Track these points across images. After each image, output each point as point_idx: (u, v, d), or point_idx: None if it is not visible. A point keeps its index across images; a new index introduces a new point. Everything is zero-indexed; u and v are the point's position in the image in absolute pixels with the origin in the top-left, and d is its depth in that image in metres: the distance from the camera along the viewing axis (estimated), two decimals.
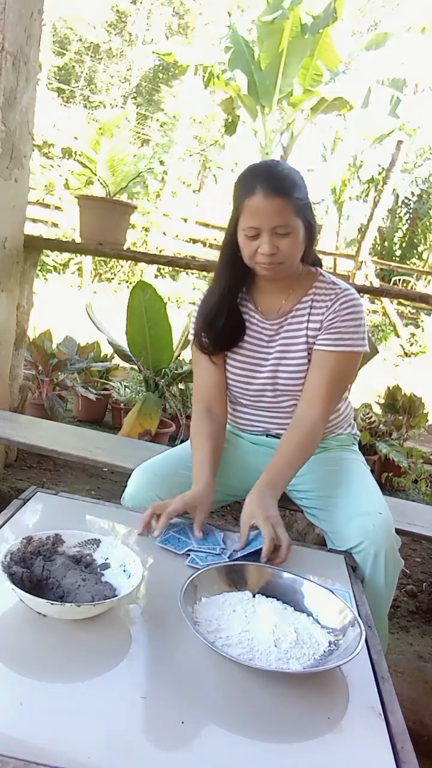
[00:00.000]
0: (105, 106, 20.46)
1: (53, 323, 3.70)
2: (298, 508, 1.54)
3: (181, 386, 3.29)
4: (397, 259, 13.19)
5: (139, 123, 20.66)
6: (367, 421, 3.28)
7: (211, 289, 1.45)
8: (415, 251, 13.53)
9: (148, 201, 11.71)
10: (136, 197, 11.49)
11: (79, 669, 0.79)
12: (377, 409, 3.75)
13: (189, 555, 1.12)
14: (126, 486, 1.42)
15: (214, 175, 15.21)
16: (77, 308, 4.06)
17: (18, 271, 2.45)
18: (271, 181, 1.22)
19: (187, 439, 1.59)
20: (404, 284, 11.02)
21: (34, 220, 9.87)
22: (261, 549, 1.10)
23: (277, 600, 0.98)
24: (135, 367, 3.29)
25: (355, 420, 1.64)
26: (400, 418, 3.43)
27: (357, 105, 9.06)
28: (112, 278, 10.73)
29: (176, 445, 1.61)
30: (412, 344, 9.29)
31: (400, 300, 9.24)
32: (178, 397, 3.24)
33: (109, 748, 0.67)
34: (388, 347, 9.17)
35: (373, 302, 10.22)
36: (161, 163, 13.32)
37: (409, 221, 13.68)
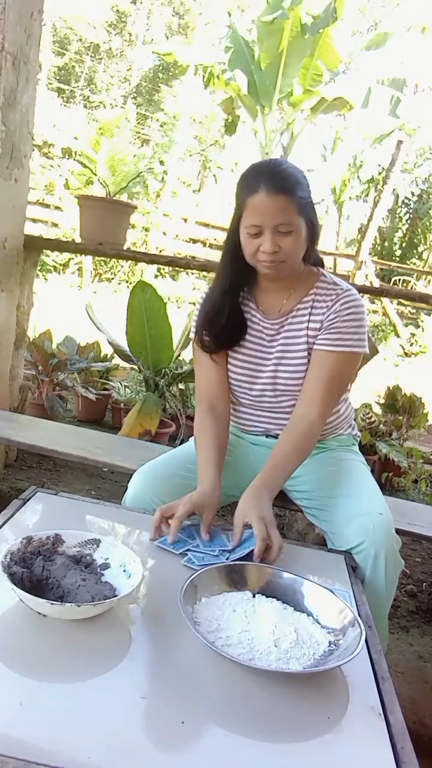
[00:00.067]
0: (105, 106, 20.46)
1: (53, 323, 3.70)
2: (298, 508, 1.54)
3: (181, 386, 3.29)
4: (397, 259, 13.19)
5: (139, 123, 20.67)
6: (367, 421, 3.28)
7: (212, 287, 1.45)
8: (415, 251, 13.53)
9: (148, 201, 11.71)
10: (136, 197, 11.49)
11: (79, 669, 0.79)
12: (377, 409, 3.75)
13: (186, 555, 1.12)
14: (126, 487, 1.42)
15: (214, 175, 15.21)
16: (77, 308, 4.06)
17: (18, 271, 2.45)
18: (274, 180, 1.22)
19: (188, 440, 1.59)
20: (404, 284, 11.02)
21: (34, 220, 9.87)
22: (253, 550, 1.10)
23: (277, 600, 0.98)
24: (135, 367, 3.30)
25: (355, 420, 1.64)
26: (400, 418, 3.43)
27: (357, 105, 9.06)
28: (112, 278, 10.73)
29: (176, 446, 1.60)
30: (412, 344, 9.29)
31: (400, 300, 9.24)
32: (178, 397, 3.24)
33: (109, 748, 0.67)
34: (388, 347, 9.17)
35: (373, 302, 10.22)
36: (161, 163, 13.32)
37: (409, 221, 13.68)
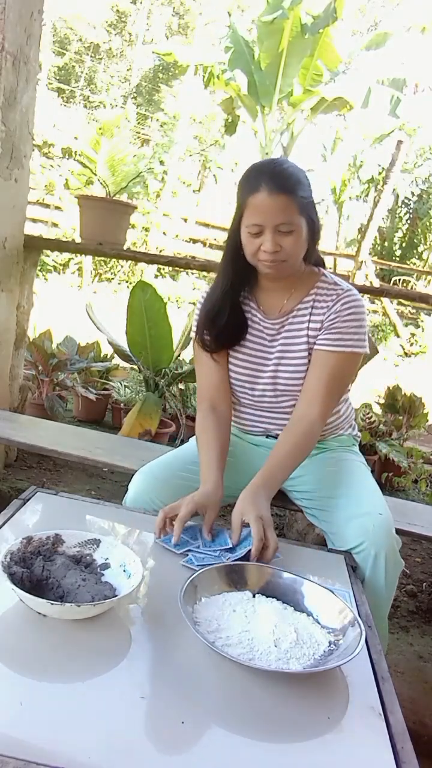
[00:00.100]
0: (105, 106, 20.45)
1: (53, 323, 3.70)
2: (298, 508, 1.54)
3: (181, 386, 3.29)
4: (397, 259, 13.19)
5: (139, 123, 20.66)
6: (367, 421, 3.29)
7: (213, 286, 1.45)
8: (415, 251, 13.53)
9: (148, 201, 11.71)
10: (136, 197, 11.49)
11: (79, 669, 0.79)
12: (377, 409, 3.75)
13: (187, 555, 1.12)
14: (126, 488, 1.42)
15: (214, 175, 15.21)
16: (77, 308, 4.06)
17: (18, 271, 2.45)
18: (275, 179, 1.22)
19: (188, 440, 1.59)
20: (404, 284, 11.02)
21: (34, 220, 9.87)
22: (250, 550, 1.10)
23: (277, 600, 0.98)
24: (135, 367, 3.30)
25: (355, 420, 1.64)
26: (400, 418, 3.43)
27: (357, 105, 9.06)
28: (112, 278, 10.73)
29: (176, 446, 1.60)
30: (412, 344, 9.29)
31: (400, 300, 9.24)
32: (178, 397, 3.24)
33: (109, 748, 0.67)
34: (388, 347, 9.17)
35: (373, 302, 10.22)
36: (161, 163, 13.31)
37: (409, 221, 13.68)
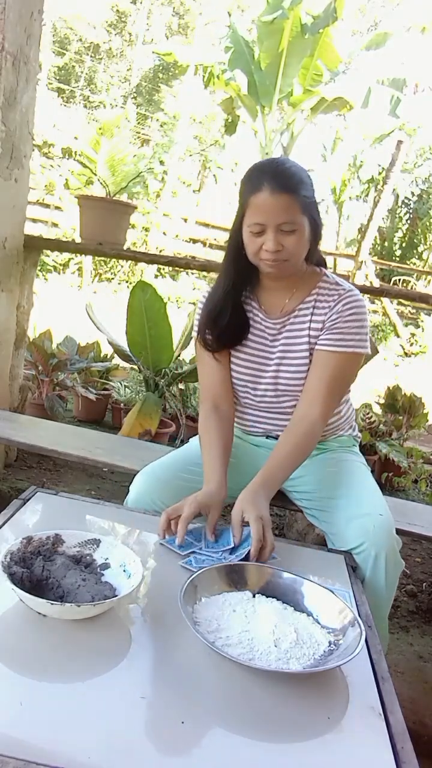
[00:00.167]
0: (105, 106, 20.45)
1: (53, 323, 3.70)
2: (298, 509, 1.54)
3: (181, 386, 3.29)
4: (397, 259, 13.19)
5: (139, 123, 20.66)
6: (367, 421, 3.29)
7: (215, 286, 1.45)
8: (415, 251, 13.53)
9: (148, 201, 11.71)
10: (136, 197, 11.49)
11: (79, 669, 0.79)
12: (377, 409, 3.75)
13: (190, 556, 1.12)
14: (126, 488, 1.42)
15: (214, 175, 15.20)
16: (77, 308, 4.06)
17: (18, 271, 2.45)
18: (277, 178, 1.22)
19: (188, 440, 1.59)
20: (404, 284, 11.02)
21: (34, 220, 9.87)
22: (249, 550, 1.10)
23: (277, 600, 0.98)
24: (135, 367, 3.29)
25: (355, 421, 1.64)
26: (400, 418, 3.43)
27: (357, 105, 9.06)
28: (112, 278, 10.73)
29: (176, 445, 1.60)
30: (412, 344, 9.29)
31: (400, 300, 9.24)
32: (178, 397, 3.24)
33: (109, 748, 0.67)
34: (388, 347, 9.17)
35: (373, 302, 10.21)
36: (161, 163, 13.31)
37: (409, 221, 13.68)
